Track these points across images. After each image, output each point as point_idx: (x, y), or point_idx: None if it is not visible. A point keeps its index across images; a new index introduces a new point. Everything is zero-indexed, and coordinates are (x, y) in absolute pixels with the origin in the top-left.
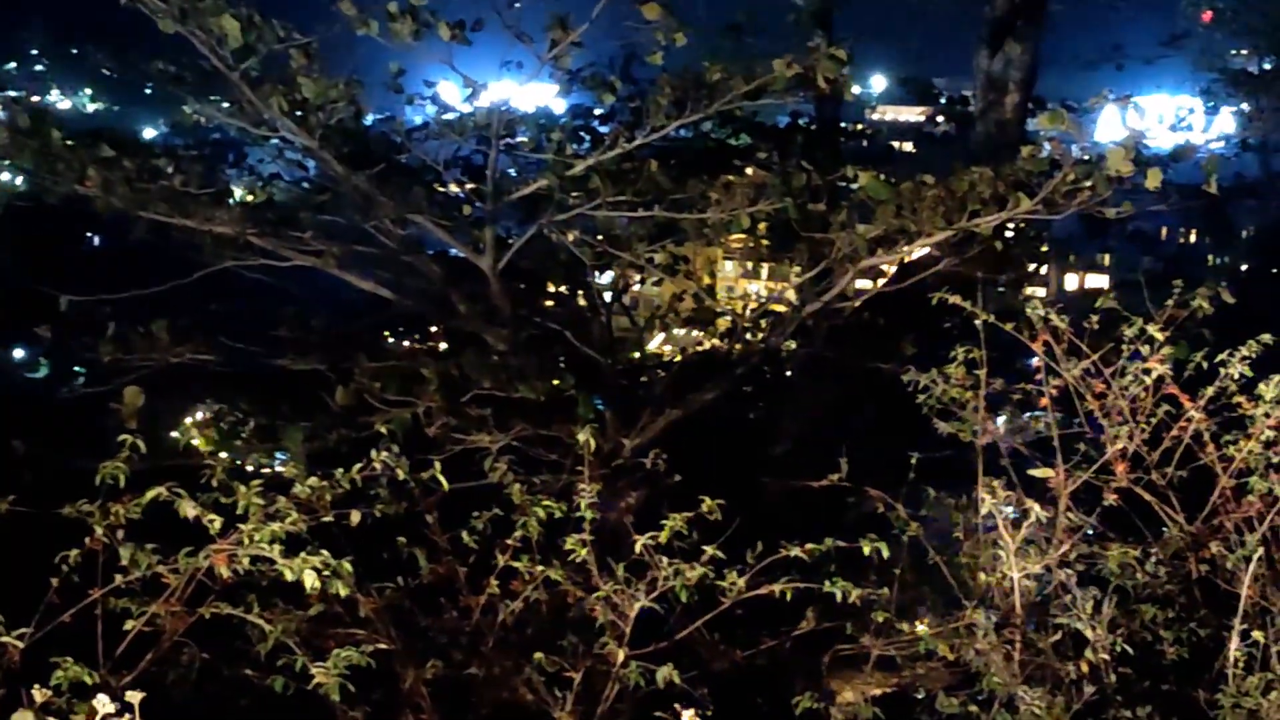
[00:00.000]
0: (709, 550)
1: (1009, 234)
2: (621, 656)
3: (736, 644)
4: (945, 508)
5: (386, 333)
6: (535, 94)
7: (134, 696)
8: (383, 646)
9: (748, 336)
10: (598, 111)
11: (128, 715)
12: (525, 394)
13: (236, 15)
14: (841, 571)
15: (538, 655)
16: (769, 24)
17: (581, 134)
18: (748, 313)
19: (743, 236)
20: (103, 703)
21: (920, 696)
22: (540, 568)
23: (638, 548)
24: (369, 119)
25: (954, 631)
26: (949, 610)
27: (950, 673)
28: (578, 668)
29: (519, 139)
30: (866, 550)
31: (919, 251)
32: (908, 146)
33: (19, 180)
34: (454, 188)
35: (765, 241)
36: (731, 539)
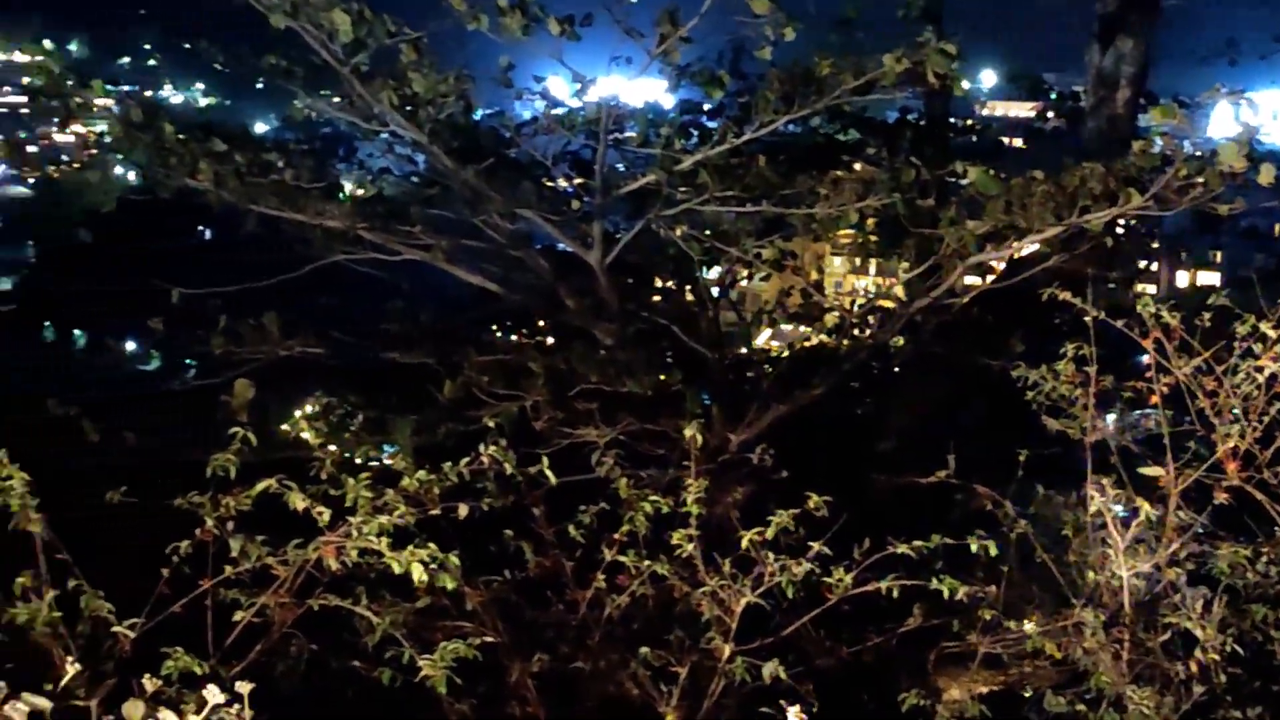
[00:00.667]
0: (815, 546)
1: (1119, 230)
2: (727, 652)
3: (842, 640)
4: (1054, 505)
5: (494, 327)
6: (644, 89)
7: (243, 687)
8: (489, 639)
9: (855, 332)
10: (706, 106)
11: (237, 705)
12: (632, 389)
13: (347, 10)
14: (948, 568)
15: (644, 650)
16: (879, 18)
17: (690, 129)
18: (855, 308)
19: (851, 232)
20: (212, 693)
21: (1027, 695)
22: (647, 562)
23: (744, 543)
24: (478, 114)
25: (1062, 630)
26: (1057, 608)
27: (1058, 671)
28: (683, 663)
29: (627, 134)
30: (974, 547)
31: (1029, 247)
32: (1018, 142)
33: (131, 175)
34: (562, 182)
35: (873, 237)
36: (838, 535)
